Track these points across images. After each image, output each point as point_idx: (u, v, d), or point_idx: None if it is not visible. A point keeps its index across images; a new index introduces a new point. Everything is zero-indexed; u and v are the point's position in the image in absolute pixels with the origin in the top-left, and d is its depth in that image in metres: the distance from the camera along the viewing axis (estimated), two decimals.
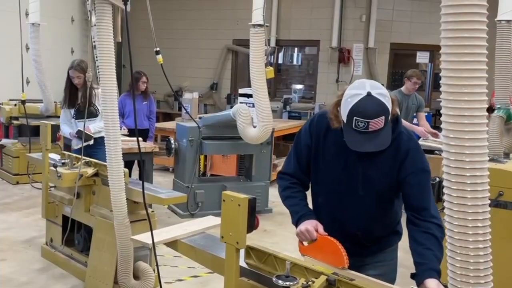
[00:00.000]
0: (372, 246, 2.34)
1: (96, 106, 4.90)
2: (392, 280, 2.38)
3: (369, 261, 2.37)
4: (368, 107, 1.99)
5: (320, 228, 2.25)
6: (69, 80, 4.92)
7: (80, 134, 4.66)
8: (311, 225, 2.24)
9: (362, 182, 2.21)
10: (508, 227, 3.24)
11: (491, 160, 3.54)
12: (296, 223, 2.32)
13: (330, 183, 2.29)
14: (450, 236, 1.61)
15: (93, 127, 4.86)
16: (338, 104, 2.12)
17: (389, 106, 2.02)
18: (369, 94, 2.01)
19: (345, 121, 2.06)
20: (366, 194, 2.22)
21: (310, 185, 2.42)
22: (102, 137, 4.80)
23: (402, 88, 6.65)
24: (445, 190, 1.60)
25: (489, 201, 1.60)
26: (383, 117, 2.00)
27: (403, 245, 4.31)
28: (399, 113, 2.19)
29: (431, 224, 2.12)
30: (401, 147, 2.16)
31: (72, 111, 5.05)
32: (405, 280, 4.74)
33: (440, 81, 1.56)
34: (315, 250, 2.25)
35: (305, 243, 2.30)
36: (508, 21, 3.59)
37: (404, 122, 6.60)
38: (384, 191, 2.22)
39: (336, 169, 2.25)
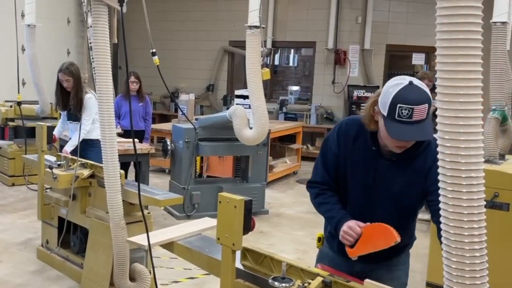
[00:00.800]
0: (390, 250, 2.20)
1: (81, 114, 4.87)
2: (403, 285, 2.39)
3: (384, 265, 2.34)
4: (411, 94, 1.95)
5: (361, 223, 2.17)
6: (58, 83, 4.91)
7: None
8: (352, 223, 2.17)
9: (392, 191, 2.17)
10: (504, 228, 3.25)
11: (487, 161, 3.55)
12: (335, 228, 2.24)
13: (358, 192, 2.25)
14: (446, 238, 1.61)
15: (70, 145, 4.79)
16: (374, 103, 2.08)
17: (431, 97, 1.97)
18: (411, 83, 1.98)
19: (386, 113, 1.98)
20: (395, 202, 2.18)
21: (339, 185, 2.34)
22: (93, 139, 4.83)
23: None
24: (440, 191, 1.60)
25: (484, 202, 1.60)
26: (426, 105, 1.95)
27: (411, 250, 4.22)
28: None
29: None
30: (430, 155, 2.08)
31: (65, 113, 5.07)
32: (413, 285, 4.74)
33: (436, 83, 1.56)
34: (364, 243, 2.17)
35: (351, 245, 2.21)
36: (503, 23, 3.59)
37: None
38: (414, 200, 2.19)
39: (365, 178, 2.21)
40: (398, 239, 2.04)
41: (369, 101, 2.14)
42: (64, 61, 4.97)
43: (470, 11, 1.49)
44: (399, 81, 2.00)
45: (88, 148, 4.72)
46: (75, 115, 4.95)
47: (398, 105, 1.94)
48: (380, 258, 2.24)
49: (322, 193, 2.33)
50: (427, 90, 1.99)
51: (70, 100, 4.90)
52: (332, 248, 2.40)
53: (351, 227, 2.15)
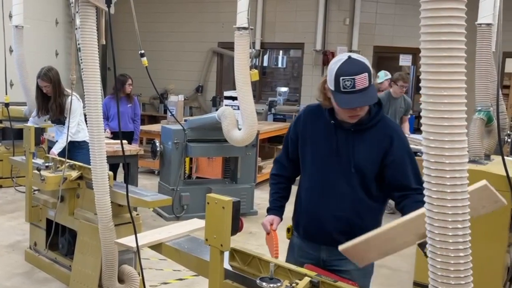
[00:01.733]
0: (355, 235, 2.25)
1: (65, 117, 4.85)
2: (369, 273, 2.54)
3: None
4: (351, 66, 2.16)
5: (275, 223, 2.53)
6: (39, 89, 4.90)
7: None
8: (267, 220, 2.53)
9: (353, 160, 2.32)
10: (490, 228, 3.28)
11: (472, 161, 3.59)
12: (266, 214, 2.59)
13: (321, 166, 2.39)
14: (431, 238, 1.63)
15: (57, 148, 4.79)
16: (324, 82, 2.30)
17: (370, 66, 2.19)
18: (349, 57, 2.19)
19: (333, 87, 2.20)
20: (357, 173, 2.32)
21: (301, 172, 2.55)
22: (79, 141, 4.82)
23: (391, 91, 6.70)
24: (425, 191, 1.62)
25: (469, 203, 1.62)
26: (366, 74, 2.15)
27: None
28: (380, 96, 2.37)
29: (421, 196, 2.03)
30: (386, 131, 2.31)
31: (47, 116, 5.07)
32: (390, 282, 4.77)
33: (420, 84, 1.58)
34: (269, 241, 2.55)
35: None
36: (488, 24, 3.63)
37: None
38: (371, 170, 2.33)
39: (327, 149, 2.37)
40: (275, 257, 2.37)
41: (321, 81, 2.37)
42: (43, 67, 4.93)
43: (453, 13, 1.51)
44: (340, 58, 2.22)
45: (75, 150, 4.71)
46: (57, 119, 4.94)
47: (341, 77, 2.16)
48: (340, 241, 2.28)
49: (276, 174, 2.65)
50: (366, 61, 2.21)
51: (50, 106, 4.89)
52: (299, 235, 2.55)
53: (264, 225, 2.54)
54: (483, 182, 2.14)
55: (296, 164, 2.54)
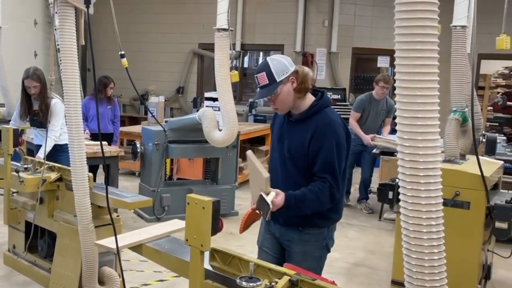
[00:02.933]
0: (297, 219, 2.68)
1: (48, 120, 4.78)
2: (315, 258, 2.77)
3: (296, 238, 2.74)
4: (258, 67, 2.67)
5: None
6: (24, 91, 4.78)
7: None
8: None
9: (287, 148, 2.68)
10: (465, 226, 3.35)
11: (448, 161, 3.65)
12: None
13: (272, 153, 2.86)
14: (406, 235, 1.66)
15: (43, 152, 4.71)
16: None
17: (274, 67, 2.58)
18: (265, 59, 2.67)
19: None
20: (291, 159, 2.68)
21: None
22: (62, 144, 4.76)
23: (373, 92, 6.75)
24: (400, 190, 1.65)
25: (442, 200, 1.65)
26: (264, 72, 2.60)
27: (367, 246, 4.50)
28: (324, 91, 2.74)
29: (321, 184, 2.55)
30: (317, 123, 2.61)
31: (16, 116, 4.99)
32: (369, 280, 4.82)
33: (395, 84, 1.62)
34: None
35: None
36: (462, 26, 3.70)
37: (353, 125, 6.60)
38: (299, 156, 2.64)
39: (275, 142, 2.81)
40: (240, 232, 2.69)
41: None
42: (28, 67, 4.81)
43: (426, 15, 1.55)
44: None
45: (59, 153, 4.67)
46: (39, 122, 4.85)
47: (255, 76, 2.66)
48: (289, 223, 2.73)
49: None
50: (272, 62, 2.61)
51: (35, 106, 4.79)
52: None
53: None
54: (248, 152, 2.58)
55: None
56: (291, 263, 2.49)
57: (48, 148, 4.61)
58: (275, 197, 2.50)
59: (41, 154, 4.63)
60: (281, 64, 2.60)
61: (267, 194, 2.51)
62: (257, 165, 2.53)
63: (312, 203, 2.57)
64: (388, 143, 6.13)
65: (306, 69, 2.68)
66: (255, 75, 2.65)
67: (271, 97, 2.64)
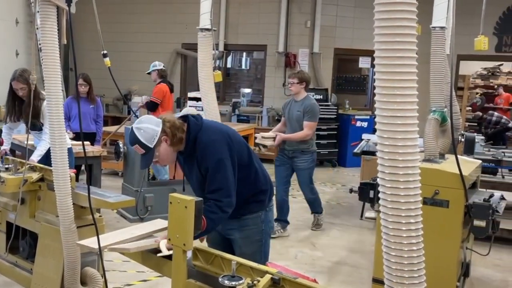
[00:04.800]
0: (237, 212, 2.84)
1: (41, 122, 4.68)
2: (256, 242, 2.97)
3: (235, 225, 2.94)
4: (129, 139, 2.79)
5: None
6: (12, 92, 4.69)
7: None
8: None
9: (191, 182, 2.97)
10: (444, 224, 3.39)
11: (428, 160, 3.70)
12: None
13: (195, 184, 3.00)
14: (385, 233, 1.68)
15: (37, 155, 4.65)
16: None
17: (141, 136, 2.71)
18: (131, 128, 2.76)
19: None
20: (195, 190, 2.93)
21: None
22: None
23: None
24: (380, 188, 1.67)
25: (420, 199, 1.68)
26: (137, 144, 2.73)
27: (349, 244, 4.54)
28: (195, 121, 2.83)
29: (208, 203, 2.69)
30: (196, 152, 2.78)
31: (8, 124, 4.92)
32: (351, 279, 4.86)
33: (374, 84, 1.64)
34: None
35: None
36: (441, 27, 3.75)
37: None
38: (201, 183, 2.83)
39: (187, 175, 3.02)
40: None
41: None
42: (16, 68, 4.71)
43: (405, 15, 1.57)
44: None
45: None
46: (33, 124, 4.77)
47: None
48: (231, 217, 2.82)
49: None
50: (139, 132, 2.72)
51: (24, 109, 4.71)
52: None
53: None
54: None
55: None
56: (236, 250, 2.83)
57: (41, 152, 4.56)
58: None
59: (34, 158, 4.57)
60: (148, 131, 2.72)
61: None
62: (142, 245, 2.61)
63: (212, 221, 2.67)
64: (265, 141, 5.70)
65: (172, 119, 2.79)
66: (132, 147, 2.81)
67: (155, 160, 2.80)
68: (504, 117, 11.67)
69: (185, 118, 2.87)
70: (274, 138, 5.67)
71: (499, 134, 11.23)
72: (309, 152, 5.80)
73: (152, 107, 7.33)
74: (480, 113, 13.04)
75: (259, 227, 2.98)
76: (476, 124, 12.73)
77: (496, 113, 11.70)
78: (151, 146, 2.72)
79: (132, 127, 2.76)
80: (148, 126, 2.73)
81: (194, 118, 2.87)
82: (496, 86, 14.41)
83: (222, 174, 2.73)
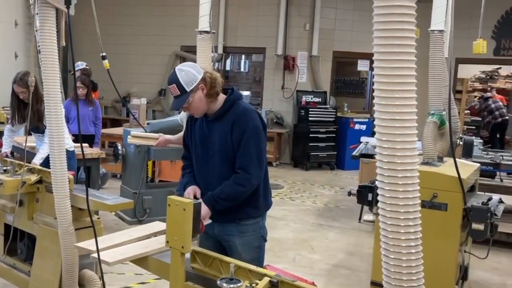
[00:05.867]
0: (232, 213, 2.83)
1: (45, 125, 4.70)
2: (256, 248, 2.94)
3: (235, 231, 2.89)
4: (168, 78, 2.76)
5: (198, 192, 2.85)
6: (14, 95, 4.69)
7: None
8: (190, 189, 2.87)
9: (212, 147, 2.82)
10: (443, 227, 3.39)
11: (426, 163, 3.70)
12: (184, 188, 2.96)
13: (195, 155, 2.92)
14: (384, 236, 1.68)
15: (39, 158, 4.63)
16: None
17: (181, 77, 2.70)
18: (173, 69, 2.77)
19: None
20: (220, 156, 2.80)
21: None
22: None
23: None
24: (378, 192, 1.67)
25: (419, 202, 1.68)
26: (174, 84, 2.72)
27: (347, 247, 4.54)
28: (234, 88, 2.90)
29: (237, 174, 2.74)
30: (233, 114, 2.78)
31: (9, 126, 4.91)
32: (349, 282, 4.86)
33: (373, 86, 1.64)
34: None
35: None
36: (440, 31, 3.75)
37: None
38: (226, 150, 2.78)
39: (197, 143, 2.90)
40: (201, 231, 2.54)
41: None
42: (19, 71, 4.70)
43: (404, 18, 1.57)
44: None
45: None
46: (36, 127, 4.76)
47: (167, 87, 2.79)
48: (229, 221, 2.86)
49: (184, 167, 3.07)
50: (180, 73, 2.71)
51: (26, 111, 4.70)
52: None
53: (188, 193, 2.83)
54: None
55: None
56: (233, 256, 2.68)
57: (43, 155, 4.54)
58: None
59: (37, 161, 4.56)
60: (189, 74, 2.73)
61: None
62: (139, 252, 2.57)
63: (233, 191, 2.75)
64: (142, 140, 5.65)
65: (215, 73, 2.81)
66: (167, 86, 2.80)
67: (186, 105, 2.78)
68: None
69: (228, 88, 2.91)
70: (157, 139, 5.61)
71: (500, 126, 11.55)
72: None
73: None
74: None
75: (257, 233, 2.95)
76: (474, 127, 12.80)
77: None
78: (188, 89, 2.72)
79: (175, 68, 2.79)
80: (190, 70, 2.75)
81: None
82: (489, 89, 14.48)
83: (256, 142, 2.75)
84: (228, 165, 2.81)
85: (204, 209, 2.65)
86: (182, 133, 5.63)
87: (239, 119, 2.76)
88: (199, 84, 2.73)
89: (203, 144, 2.88)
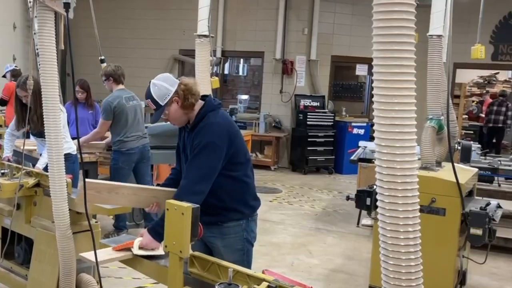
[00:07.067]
0: (214, 216, 2.85)
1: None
2: (238, 251, 2.93)
3: (217, 233, 2.90)
4: (145, 92, 2.84)
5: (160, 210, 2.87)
6: (18, 100, 4.69)
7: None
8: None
9: (186, 156, 2.89)
10: (441, 232, 3.40)
11: (424, 168, 3.70)
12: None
13: (183, 162, 2.97)
14: (383, 241, 1.67)
15: (42, 163, 4.59)
16: None
17: (154, 92, 2.78)
18: (149, 82, 2.84)
19: None
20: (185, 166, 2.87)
21: None
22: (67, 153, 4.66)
23: None
24: (378, 196, 1.67)
25: (418, 207, 1.68)
26: (149, 100, 2.82)
27: (345, 252, 4.53)
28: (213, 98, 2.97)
29: (179, 186, 2.78)
30: (199, 127, 2.81)
31: (9, 130, 4.90)
32: (347, 286, 4.85)
33: (372, 92, 1.64)
34: None
35: None
36: (438, 36, 3.76)
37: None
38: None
39: (180, 152, 3.00)
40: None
41: None
42: (22, 75, 4.72)
43: (403, 23, 1.57)
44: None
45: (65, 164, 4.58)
46: (38, 131, 4.74)
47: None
48: (213, 223, 2.85)
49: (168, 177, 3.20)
50: (153, 88, 2.80)
51: (31, 117, 4.68)
52: None
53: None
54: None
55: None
56: (217, 258, 2.67)
57: (46, 160, 4.51)
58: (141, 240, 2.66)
59: (40, 165, 4.54)
60: (162, 89, 2.78)
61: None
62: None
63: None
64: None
65: (189, 84, 2.82)
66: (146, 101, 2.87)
67: (165, 117, 2.86)
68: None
69: (206, 96, 2.94)
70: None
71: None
72: (116, 151, 5.80)
73: (1, 103, 8.13)
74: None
75: (240, 235, 2.94)
76: (472, 132, 12.82)
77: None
78: (162, 104, 2.78)
79: (150, 81, 2.83)
80: (162, 84, 2.79)
81: (214, 100, 2.93)
82: (484, 92, 14.52)
83: (205, 157, 2.73)
84: None
85: (147, 238, 2.63)
86: (92, 132, 5.84)
87: (199, 131, 2.80)
88: (173, 97, 2.77)
89: (184, 152, 2.95)
